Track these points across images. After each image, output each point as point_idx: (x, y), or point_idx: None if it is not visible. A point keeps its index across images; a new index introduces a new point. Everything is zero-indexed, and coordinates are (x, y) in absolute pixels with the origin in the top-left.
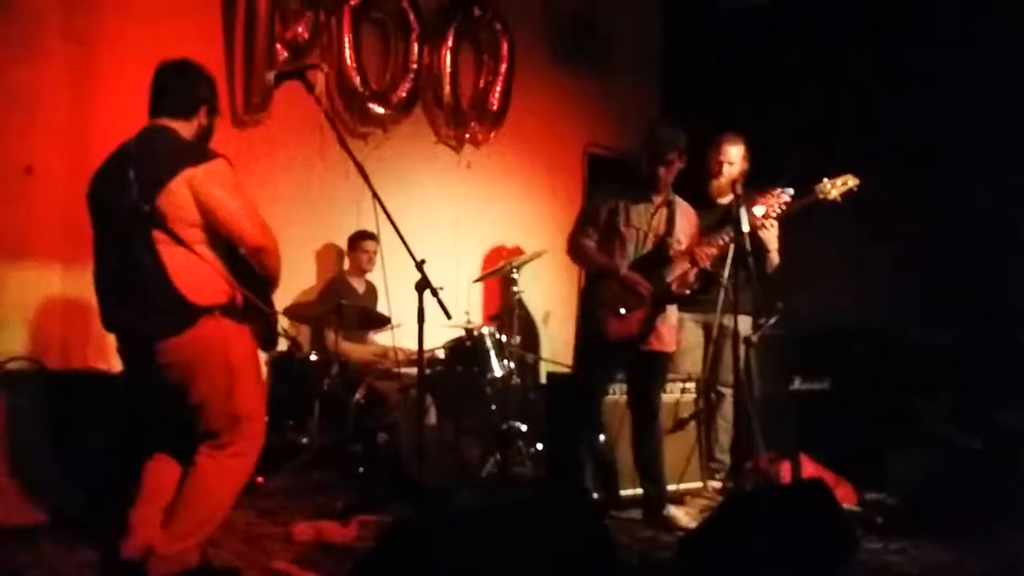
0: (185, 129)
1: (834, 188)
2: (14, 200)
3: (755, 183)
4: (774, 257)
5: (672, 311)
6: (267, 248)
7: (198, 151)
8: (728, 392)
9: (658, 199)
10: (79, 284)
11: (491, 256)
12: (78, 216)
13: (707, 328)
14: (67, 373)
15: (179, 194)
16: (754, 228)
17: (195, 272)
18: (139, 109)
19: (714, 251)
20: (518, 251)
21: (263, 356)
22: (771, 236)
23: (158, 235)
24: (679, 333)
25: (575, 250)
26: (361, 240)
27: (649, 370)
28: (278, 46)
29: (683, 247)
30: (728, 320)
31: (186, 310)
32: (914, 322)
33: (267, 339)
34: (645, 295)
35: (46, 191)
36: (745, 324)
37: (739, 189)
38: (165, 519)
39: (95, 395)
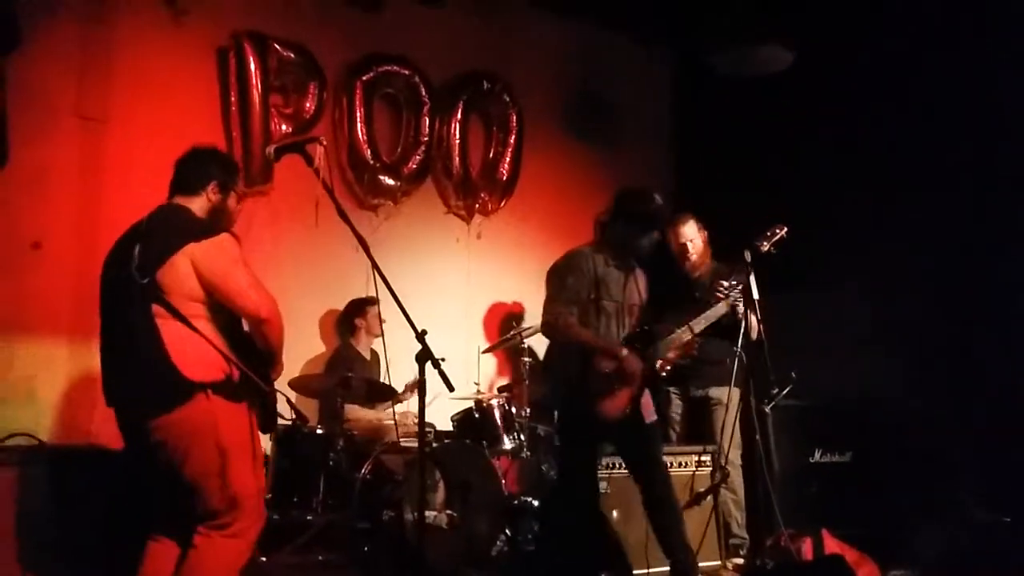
0: (196, 205)
1: (767, 242)
2: (22, 275)
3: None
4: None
5: None
6: (270, 320)
7: (202, 226)
8: (736, 465)
9: (628, 268)
10: (86, 359)
11: (493, 315)
12: (86, 291)
13: (690, 401)
14: (69, 448)
15: (181, 268)
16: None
17: (191, 347)
18: (148, 184)
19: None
20: (517, 307)
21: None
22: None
23: (157, 309)
24: (666, 407)
25: (562, 333)
26: (367, 306)
27: (642, 439)
28: (283, 124)
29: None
30: (720, 392)
31: (179, 385)
32: (935, 396)
33: (266, 421)
34: (637, 377)
35: (55, 266)
36: (734, 395)
37: (748, 257)
38: None
39: (98, 471)
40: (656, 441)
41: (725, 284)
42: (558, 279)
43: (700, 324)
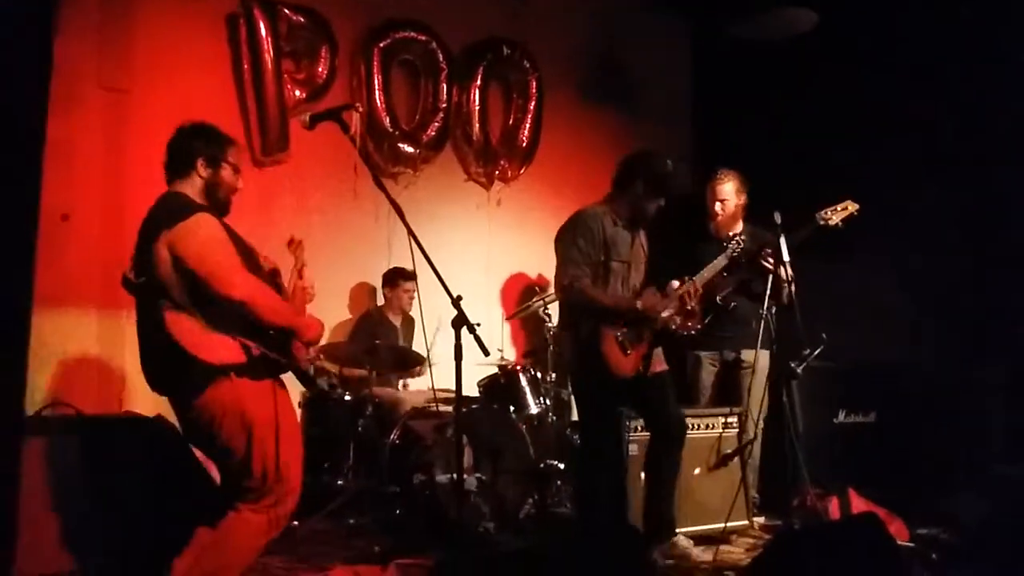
0: (189, 187)
1: (835, 215)
2: (51, 248)
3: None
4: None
5: None
6: (248, 301)
7: (176, 211)
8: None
9: (634, 229)
10: (115, 329)
11: (511, 285)
12: (114, 262)
13: (723, 364)
14: (103, 418)
15: (164, 259)
16: (762, 264)
17: (203, 333)
18: None
19: (696, 291)
20: (542, 280)
21: (296, 398)
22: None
23: (162, 303)
24: (698, 371)
25: (578, 295)
26: (402, 280)
27: (657, 390)
28: (296, 90)
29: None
30: (750, 355)
31: (201, 371)
32: (962, 356)
33: (303, 380)
34: (647, 335)
35: (82, 238)
36: (764, 358)
37: (778, 219)
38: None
39: (130, 440)
40: (666, 387)
41: (738, 240)
42: (569, 241)
43: (702, 277)
